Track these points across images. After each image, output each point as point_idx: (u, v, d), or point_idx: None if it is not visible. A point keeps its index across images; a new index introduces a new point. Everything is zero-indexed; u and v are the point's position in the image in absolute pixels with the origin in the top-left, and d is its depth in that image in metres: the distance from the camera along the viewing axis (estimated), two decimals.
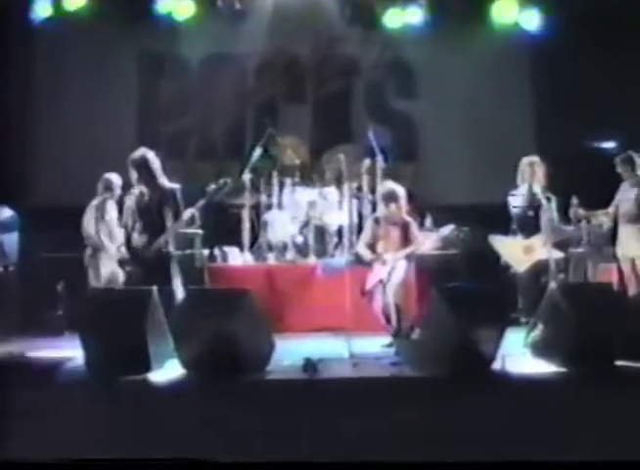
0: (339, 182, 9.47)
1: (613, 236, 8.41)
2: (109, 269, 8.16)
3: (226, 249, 9.21)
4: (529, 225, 7.81)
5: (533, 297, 7.49)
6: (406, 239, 7.58)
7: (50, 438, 5.09)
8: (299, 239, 9.32)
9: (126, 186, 7.73)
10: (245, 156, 10.11)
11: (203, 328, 6.05)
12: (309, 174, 9.83)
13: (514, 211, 7.98)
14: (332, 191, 9.45)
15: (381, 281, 7.33)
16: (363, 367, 6.39)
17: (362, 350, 6.86)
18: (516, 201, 8.02)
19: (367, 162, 9.47)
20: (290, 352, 6.67)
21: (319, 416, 5.27)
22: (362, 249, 7.70)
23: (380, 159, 9.45)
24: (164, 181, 7.23)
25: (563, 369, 6.05)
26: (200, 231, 8.97)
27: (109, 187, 8.42)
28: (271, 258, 9.25)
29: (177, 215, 7.11)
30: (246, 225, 9.43)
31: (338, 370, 6.27)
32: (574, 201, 7.90)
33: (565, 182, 8.18)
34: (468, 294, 6.38)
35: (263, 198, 9.61)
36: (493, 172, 10.05)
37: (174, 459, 4.52)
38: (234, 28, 10.97)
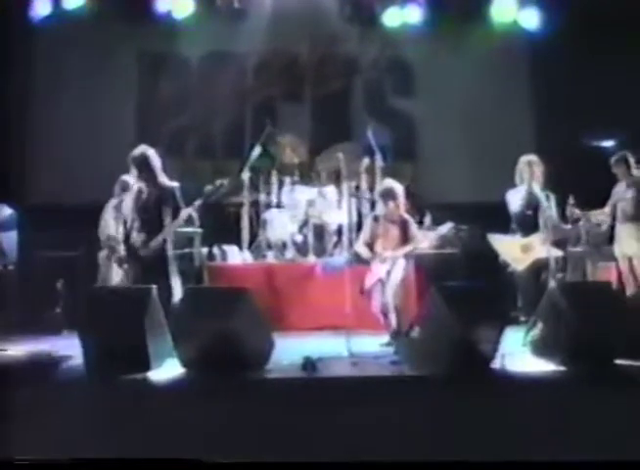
0: (338, 181, 9.46)
1: (610, 235, 8.42)
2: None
3: (225, 247, 9.21)
4: (528, 224, 7.81)
5: (532, 295, 7.49)
6: (405, 237, 7.56)
7: (49, 437, 5.08)
8: (299, 238, 9.32)
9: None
10: (244, 154, 10.11)
11: (202, 327, 6.06)
12: (308, 173, 9.83)
13: (512, 209, 7.98)
14: (331, 190, 9.45)
15: (379, 280, 7.32)
16: (362, 366, 6.39)
17: (361, 348, 6.86)
18: (514, 199, 8.02)
19: (366, 160, 9.48)
20: (289, 350, 6.67)
21: (318, 415, 5.28)
22: (361, 247, 7.69)
23: (379, 157, 9.46)
24: (164, 179, 7.23)
25: (562, 368, 6.06)
26: (199, 230, 8.98)
27: (126, 188, 8.37)
28: (270, 257, 9.25)
29: (176, 214, 7.11)
30: (245, 224, 9.43)
31: (337, 369, 6.28)
32: (571, 200, 7.90)
33: (563, 181, 8.18)
34: (467, 293, 6.38)
35: (262, 196, 9.61)
36: (492, 171, 10.06)
37: (174, 459, 4.52)
38: (233, 27, 10.98)
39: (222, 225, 9.51)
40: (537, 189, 7.78)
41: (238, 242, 9.37)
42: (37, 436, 5.03)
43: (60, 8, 10.67)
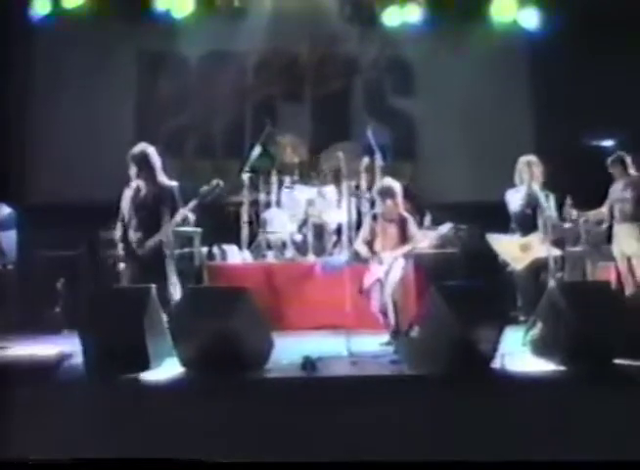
0: (337, 181, 9.47)
1: (609, 235, 8.42)
2: None
3: (225, 247, 9.20)
4: (527, 224, 7.81)
5: (532, 295, 7.50)
6: (404, 236, 7.54)
7: (48, 436, 5.09)
8: (298, 237, 9.32)
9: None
10: (244, 154, 10.11)
11: (201, 326, 6.05)
12: (308, 173, 9.83)
13: (512, 209, 7.99)
14: (330, 189, 9.45)
15: (378, 280, 7.32)
16: (362, 365, 6.38)
17: (361, 348, 6.85)
18: (514, 199, 8.02)
19: (366, 160, 9.48)
20: (289, 350, 6.66)
21: (318, 414, 5.28)
22: (360, 246, 7.69)
23: (378, 157, 9.46)
24: (163, 178, 7.22)
25: (561, 367, 6.05)
26: (199, 229, 8.98)
27: None
28: (270, 257, 9.25)
29: (174, 214, 7.10)
30: (244, 223, 9.42)
31: (337, 368, 6.26)
32: (568, 201, 7.90)
33: (562, 181, 8.18)
34: (467, 292, 6.37)
35: (262, 196, 9.61)
36: (492, 171, 10.06)
37: (174, 459, 4.53)
38: (233, 26, 10.99)
39: (222, 225, 9.51)
40: (537, 189, 7.79)
41: (237, 241, 9.36)
42: (36, 434, 5.04)
43: (59, 7, 10.66)
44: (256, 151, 9.59)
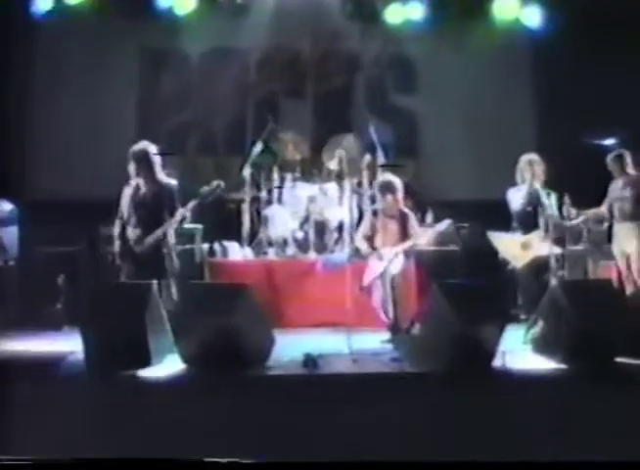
0: (339, 178, 9.46)
1: (610, 234, 8.43)
2: None
3: (226, 244, 9.19)
4: (529, 222, 7.82)
5: (532, 293, 7.51)
6: (404, 232, 7.54)
7: (49, 433, 5.09)
8: (300, 234, 9.32)
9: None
10: (245, 151, 10.10)
11: (203, 323, 6.06)
12: (310, 170, 9.82)
13: (513, 208, 7.99)
14: (332, 186, 9.44)
15: (379, 276, 7.32)
16: (363, 363, 6.39)
17: (362, 345, 6.86)
18: (515, 198, 8.03)
19: (368, 157, 9.46)
20: (290, 347, 6.67)
21: (319, 412, 5.28)
22: (360, 242, 7.69)
23: (380, 154, 9.45)
24: (162, 177, 7.23)
25: (563, 366, 6.06)
26: (200, 226, 8.98)
27: None
28: (271, 254, 9.25)
29: (173, 212, 7.11)
30: (246, 220, 9.42)
31: (337, 366, 6.28)
32: (567, 199, 7.88)
33: (563, 180, 8.17)
34: (468, 290, 6.38)
35: (263, 193, 9.60)
36: (494, 168, 10.05)
37: (174, 459, 4.52)
38: (235, 23, 10.96)
39: (223, 221, 9.50)
40: (538, 187, 7.79)
41: (238, 238, 9.36)
42: (37, 431, 5.03)
43: (61, 3, 10.65)
44: (258, 147, 9.58)
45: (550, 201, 7.75)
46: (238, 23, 10.96)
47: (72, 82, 10.89)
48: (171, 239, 7.24)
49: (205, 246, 9.15)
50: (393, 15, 11.03)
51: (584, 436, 5.00)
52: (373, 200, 8.75)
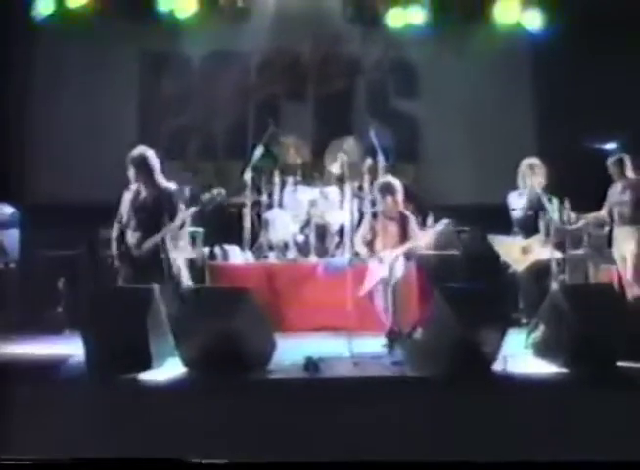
0: (340, 181, 9.46)
1: (610, 238, 8.43)
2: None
3: (227, 247, 9.19)
4: (530, 226, 7.83)
5: (533, 297, 7.51)
6: (404, 235, 7.51)
7: (50, 436, 5.09)
8: (301, 238, 9.31)
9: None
10: (246, 154, 10.10)
11: (203, 327, 6.05)
12: (311, 173, 9.82)
13: (514, 212, 8.00)
14: (333, 190, 9.44)
15: (380, 281, 7.31)
16: (364, 366, 6.38)
17: (363, 349, 6.85)
18: (516, 202, 8.03)
19: (369, 161, 9.47)
20: (291, 351, 6.66)
21: (320, 415, 5.28)
22: (359, 246, 7.67)
23: (381, 158, 9.46)
24: (162, 181, 7.23)
25: (564, 370, 6.05)
26: (200, 229, 8.98)
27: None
28: (272, 257, 9.24)
29: (172, 217, 7.11)
30: (246, 224, 9.42)
31: (339, 369, 6.27)
32: (566, 204, 7.88)
33: (565, 184, 8.17)
34: (469, 294, 6.37)
35: (264, 197, 9.60)
36: (494, 172, 10.05)
37: (174, 460, 4.52)
38: (236, 26, 10.96)
39: (224, 225, 9.49)
40: (539, 192, 7.79)
41: (239, 242, 9.36)
42: (38, 434, 5.04)
43: (62, 6, 10.64)
44: (259, 151, 9.58)
45: (551, 205, 7.75)
46: (239, 26, 10.96)
47: (73, 85, 10.90)
48: (170, 244, 7.25)
49: (206, 249, 9.14)
50: (394, 19, 11.02)
51: (585, 440, 5.01)
52: (374, 203, 8.75)
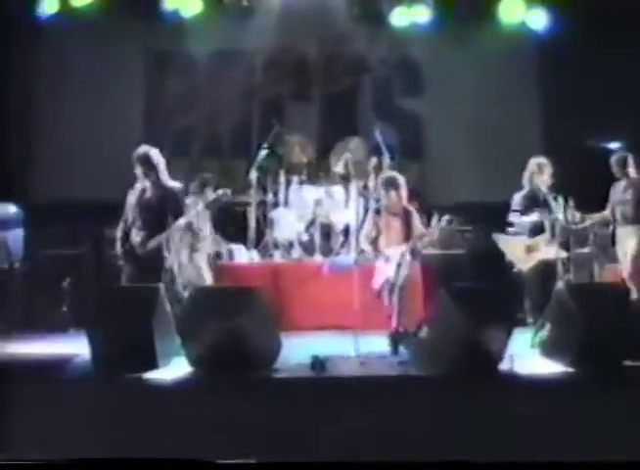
0: (345, 180, 9.46)
1: (614, 237, 8.41)
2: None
3: (232, 246, 9.19)
4: (535, 225, 7.80)
5: (539, 297, 7.48)
6: (408, 231, 7.48)
7: (54, 435, 5.09)
8: (306, 237, 9.31)
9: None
10: (251, 154, 10.10)
11: (209, 326, 6.04)
12: (316, 172, 9.82)
13: (519, 211, 7.98)
14: (338, 189, 9.44)
15: (387, 279, 7.29)
16: (370, 365, 6.39)
17: (369, 348, 6.85)
18: (522, 201, 8.01)
19: (374, 160, 9.47)
20: (297, 350, 6.66)
21: (326, 414, 5.28)
22: (364, 244, 7.65)
23: (386, 157, 9.46)
24: (167, 180, 7.22)
25: (570, 369, 6.04)
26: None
27: (205, 185, 8.26)
28: (277, 256, 9.24)
29: (177, 215, 7.11)
30: (252, 223, 9.42)
31: (345, 368, 6.26)
32: (570, 203, 7.87)
33: (571, 183, 8.16)
34: (475, 293, 6.37)
35: (270, 196, 9.60)
36: (500, 171, 10.06)
37: (177, 459, 4.53)
38: (241, 25, 10.96)
39: (229, 224, 9.50)
40: (545, 191, 7.77)
41: (245, 241, 9.36)
42: (42, 433, 5.05)
43: (67, 5, 10.65)
44: (264, 151, 9.58)
45: (557, 205, 7.73)
46: (244, 25, 10.96)
47: (78, 84, 10.90)
48: (174, 243, 7.26)
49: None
50: (400, 17, 11.03)
51: (593, 439, 5.00)
52: (377, 200, 8.74)
